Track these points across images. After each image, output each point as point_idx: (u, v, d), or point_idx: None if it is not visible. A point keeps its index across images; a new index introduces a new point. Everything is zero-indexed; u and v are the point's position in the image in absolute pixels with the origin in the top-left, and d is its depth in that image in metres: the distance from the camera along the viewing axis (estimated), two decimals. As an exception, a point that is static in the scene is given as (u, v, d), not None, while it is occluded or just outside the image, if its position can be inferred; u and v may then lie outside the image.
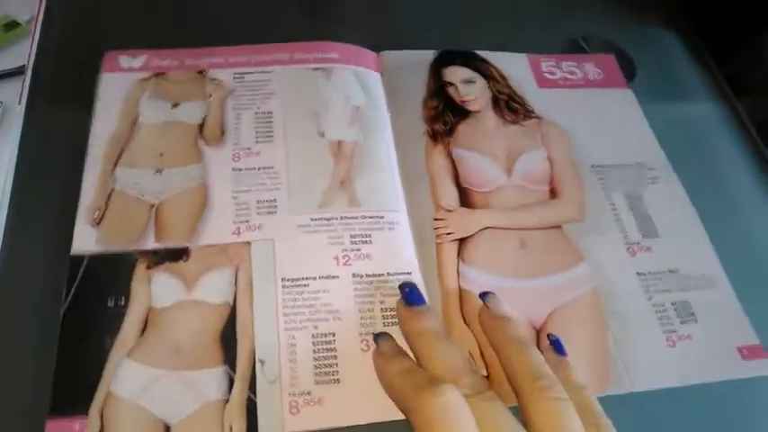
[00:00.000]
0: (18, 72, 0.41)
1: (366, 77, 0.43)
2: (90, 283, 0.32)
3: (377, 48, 0.45)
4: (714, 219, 0.40)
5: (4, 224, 0.35)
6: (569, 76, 0.46)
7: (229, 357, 0.31)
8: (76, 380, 0.30)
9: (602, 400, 0.28)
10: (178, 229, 0.35)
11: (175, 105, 0.40)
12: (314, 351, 0.31)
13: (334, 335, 0.32)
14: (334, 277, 0.34)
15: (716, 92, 0.48)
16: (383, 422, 0.29)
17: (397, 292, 0.32)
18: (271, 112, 0.40)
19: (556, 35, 0.49)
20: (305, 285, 0.33)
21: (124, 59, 0.42)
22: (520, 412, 0.27)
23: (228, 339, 0.31)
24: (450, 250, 0.36)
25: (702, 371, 0.34)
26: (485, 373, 0.32)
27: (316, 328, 0.32)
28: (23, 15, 0.44)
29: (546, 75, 0.46)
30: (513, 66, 0.46)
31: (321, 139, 0.39)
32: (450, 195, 0.38)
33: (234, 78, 0.42)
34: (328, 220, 0.36)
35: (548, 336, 0.32)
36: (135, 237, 0.34)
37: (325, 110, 0.40)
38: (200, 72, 0.42)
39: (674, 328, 0.35)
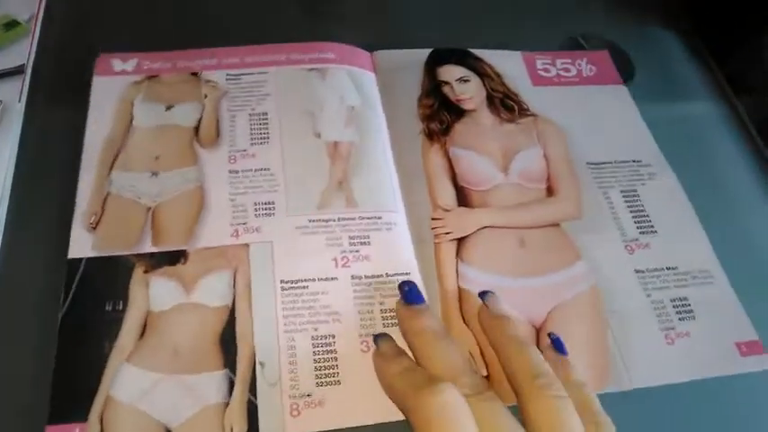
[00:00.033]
0: (18, 71, 0.41)
1: (360, 77, 0.43)
2: (88, 287, 0.32)
3: (377, 46, 0.45)
4: (714, 217, 0.40)
5: (3, 223, 0.34)
6: (564, 74, 0.46)
7: (229, 360, 0.31)
8: (75, 385, 0.29)
9: (602, 398, 0.28)
10: (175, 232, 0.35)
11: (169, 108, 0.40)
12: (314, 353, 0.31)
13: (333, 336, 0.32)
14: (333, 279, 0.34)
15: (716, 91, 0.48)
16: (384, 423, 0.29)
17: (397, 292, 0.32)
18: (266, 114, 0.40)
19: (556, 34, 0.49)
20: (304, 287, 0.33)
21: (116, 62, 0.41)
22: (519, 411, 0.27)
23: (228, 342, 0.31)
24: (448, 250, 0.36)
25: (701, 367, 0.34)
26: (485, 373, 0.32)
27: (315, 329, 0.32)
28: (23, 14, 0.44)
29: (540, 72, 0.46)
30: (508, 63, 0.46)
31: (317, 139, 0.39)
32: (447, 195, 0.38)
33: (227, 80, 0.41)
34: (326, 221, 0.36)
35: (548, 335, 0.32)
36: (132, 241, 0.34)
37: (321, 110, 0.40)
38: (194, 74, 0.41)
39: (672, 324, 0.35)
